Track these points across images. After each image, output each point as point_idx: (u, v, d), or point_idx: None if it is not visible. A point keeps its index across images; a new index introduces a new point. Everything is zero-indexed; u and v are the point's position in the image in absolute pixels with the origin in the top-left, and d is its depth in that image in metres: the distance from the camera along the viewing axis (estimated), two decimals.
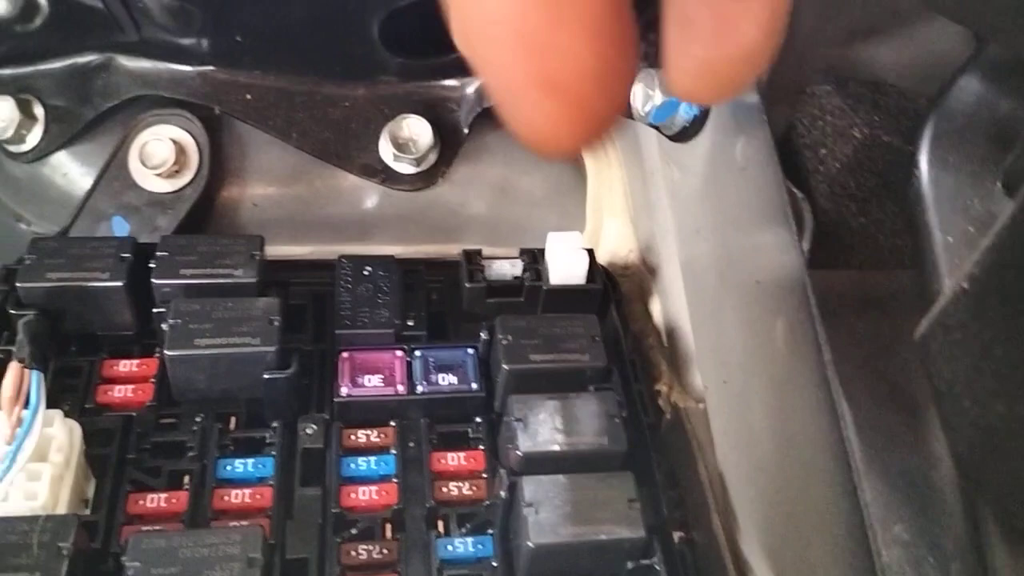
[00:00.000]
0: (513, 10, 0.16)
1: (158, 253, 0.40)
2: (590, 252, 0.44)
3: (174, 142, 0.47)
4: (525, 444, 0.36)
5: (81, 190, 0.49)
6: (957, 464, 0.26)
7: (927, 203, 0.32)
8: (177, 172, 0.47)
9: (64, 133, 0.49)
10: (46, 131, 0.49)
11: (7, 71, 0.49)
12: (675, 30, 0.18)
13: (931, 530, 0.29)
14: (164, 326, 0.38)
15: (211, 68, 0.48)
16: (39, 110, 0.49)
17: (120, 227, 0.47)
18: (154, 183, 0.47)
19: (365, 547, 0.36)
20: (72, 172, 0.50)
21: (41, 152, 0.49)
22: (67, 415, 0.36)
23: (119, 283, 0.39)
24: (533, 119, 0.17)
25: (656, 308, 0.46)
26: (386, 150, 0.49)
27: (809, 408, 0.31)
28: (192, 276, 0.40)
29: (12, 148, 0.49)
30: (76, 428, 0.36)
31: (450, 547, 0.36)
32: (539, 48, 0.16)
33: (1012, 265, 0.21)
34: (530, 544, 0.33)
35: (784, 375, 0.33)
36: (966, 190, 0.32)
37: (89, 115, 0.48)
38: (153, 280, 0.40)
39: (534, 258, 0.45)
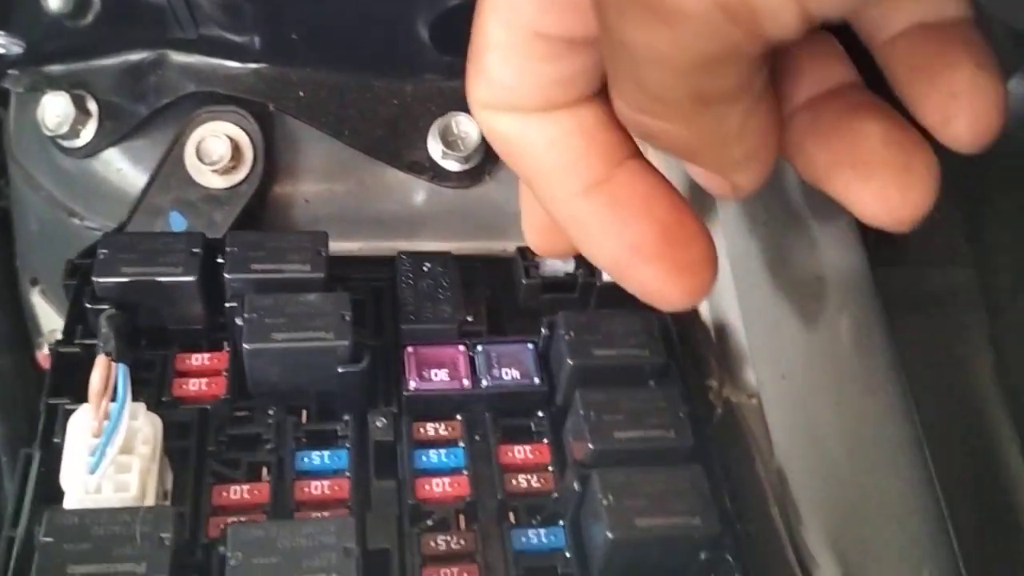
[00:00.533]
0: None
1: (227, 248, 0.41)
2: None
3: (230, 138, 0.48)
4: (595, 438, 0.37)
5: (133, 186, 0.50)
6: None
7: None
8: (233, 168, 0.48)
9: (118, 129, 0.49)
10: (100, 127, 0.50)
11: (60, 67, 0.50)
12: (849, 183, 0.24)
13: (1001, 519, 0.30)
14: (239, 320, 0.39)
15: (265, 65, 0.49)
16: (93, 106, 0.50)
17: (178, 222, 0.48)
18: (210, 179, 0.48)
19: (443, 538, 0.37)
20: (125, 168, 0.50)
21: (94, 148, 0.50)
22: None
23: (192, 278, 0.40)
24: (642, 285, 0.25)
25: (703, 305, 0.47)
26: (435, 148, 0.50)
27: (880, 404, 0.32)
28: (262, 271, 0.41)
29: (66, 143, 0.50)
30: (158, 421, 0.37)
31: (524, 538, 0.37)
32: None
33: None
34: (609, 536, 0.34)
35: (851, 371, 0.34)
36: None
37: (143, 112, 0.49)
38: (225, 275, 0.41)
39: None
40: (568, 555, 0.37)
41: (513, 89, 0.24)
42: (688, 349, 0.46)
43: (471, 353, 0.42)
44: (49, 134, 0.49)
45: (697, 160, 0.24)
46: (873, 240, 0.37)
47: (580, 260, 0.46)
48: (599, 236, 0.25)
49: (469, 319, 0.44)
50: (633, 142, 0.26)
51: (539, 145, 0.25)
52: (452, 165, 0.50)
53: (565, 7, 0.23)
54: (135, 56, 0.49)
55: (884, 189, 0.23)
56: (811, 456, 0.37)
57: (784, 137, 0.25)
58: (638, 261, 0.24)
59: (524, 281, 0.45)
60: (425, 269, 0.45)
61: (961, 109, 0.23)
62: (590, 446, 0.37)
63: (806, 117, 0.25)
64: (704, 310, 0.47)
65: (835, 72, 0.26)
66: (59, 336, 0.56)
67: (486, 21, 0.24)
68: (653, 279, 0.24)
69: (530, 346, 0.43)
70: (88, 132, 0.50)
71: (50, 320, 0.57)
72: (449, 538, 0.37)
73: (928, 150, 0.24)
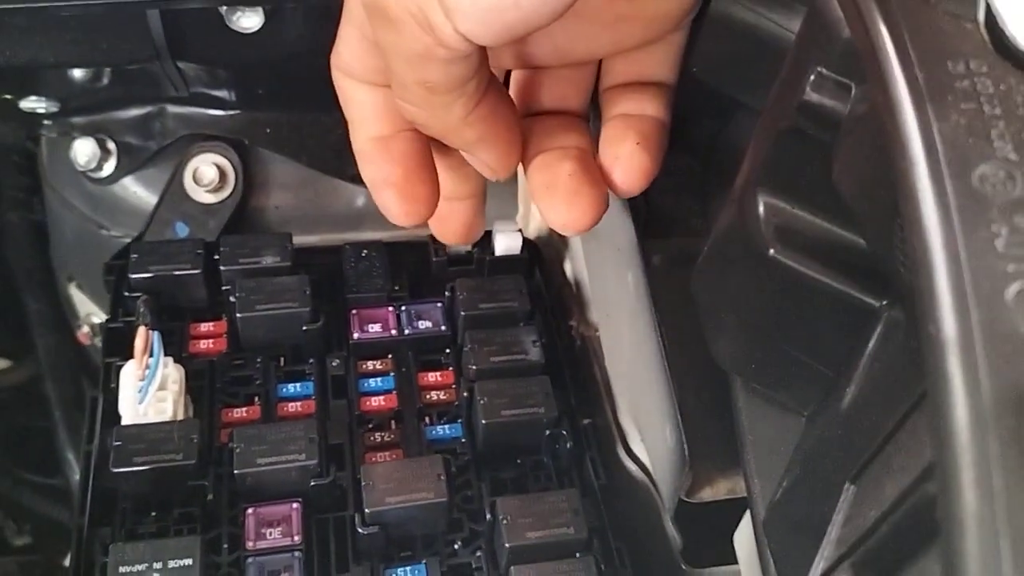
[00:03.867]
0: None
1: (221, 248, 0.59)
2: (521, 232, 0.63)
3: (217, 166, 0.65)
4: (478, 362, 0.55)
5: (146, 203, 0.67)
6: (713, 351, 0.43)
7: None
8: (220, 187, 0.66)
9: (132, 163, 0.67)
10: (118, 162, 0.67)
11: (86, 118, 0.67)
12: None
13: (714, 399, 0.48)
14: (232, 298, 0.56)
15: (239, 111, 0.66)
16: (112, 146, 0.67)
17: (181, 229, 0.65)
18: (204, 196, 0.66)
19: (379, 435, 0.55)
20: (139, 191, 0.68)
21: (115, 177, 0.67)
22: None
23: (198, 271, 0.58)
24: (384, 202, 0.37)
25: (568, 268, 0.65)
26: None
27: (643, 325, 0.50)
28: (247, 263, 0.58)
29: (93, 175, 0.67)
30: (181, 369, 0.54)
31: (434, 432, 0.55)
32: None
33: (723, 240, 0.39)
34: (484, 423, 0.52)
35: (634, 307, 0.52)
36: None
37: (152, 148, 0.66)
38: (221, 267, 0.58)
39: (483, 238, 0.63)
40: (464, 440, 0.55)
41: (350, 64, 0.38)
42: (557, 299, 0.63)
43: (397, 312, 0.60)
44: (80, 169, 0.67)
45: (446, 140, 0.37)
46: (643, 222, 0.54)
47: (477, 244, 0.63)
48: (371, 166, 0.37)
49: (396, 288, 0.61)
50: None
51: (357, 103, 0.38)
52: None
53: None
54: (142, 109, 0.66)
55: (558, 206, 0.38)
56: (619, 363, 0.55)
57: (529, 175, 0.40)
58: (386, 187, 0.37)
59: (434, 259, 0.62)
60: (363, 254, 0.62)
61: (616, 168, 0.38)
62: (473, 368, 0.55)
63: (541, 162, 0.39)
64: (569, 271, 0.65)
65: (570, 139, 0.40)
66: (95, 318, 0.74)
67: (342, 19, 0.36)
68: (390, 201, 0.37)
69: (439, 304, 0.60)
70: (110, 166, 0.67)
71: (85, 307, 0.75)
72: (383, 435, 0.55)
73: (601, 191, 0.38)
